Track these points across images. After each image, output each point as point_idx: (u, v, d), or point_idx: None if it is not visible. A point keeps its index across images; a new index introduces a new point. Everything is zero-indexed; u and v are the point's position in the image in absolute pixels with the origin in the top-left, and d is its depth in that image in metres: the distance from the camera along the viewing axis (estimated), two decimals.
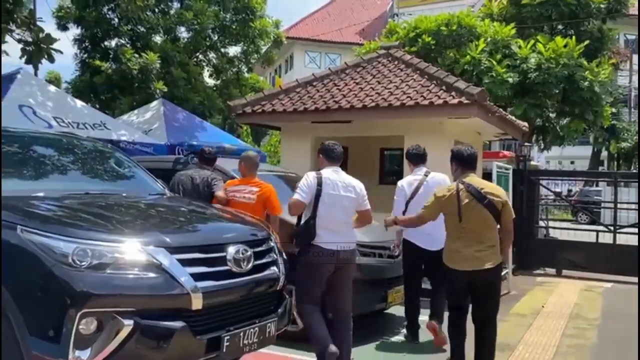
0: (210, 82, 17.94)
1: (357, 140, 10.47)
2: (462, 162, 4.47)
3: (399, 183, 5.71)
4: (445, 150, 7.45)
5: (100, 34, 15.69)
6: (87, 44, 15.84)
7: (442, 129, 8.17)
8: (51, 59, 9.14)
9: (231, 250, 3.41)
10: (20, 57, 9.23)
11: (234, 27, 16.55)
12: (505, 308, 7.34)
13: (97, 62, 15.27)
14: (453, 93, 7.76)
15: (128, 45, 15.50)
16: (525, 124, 10.72)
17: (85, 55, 15.87)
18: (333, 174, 4.36)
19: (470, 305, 4.47)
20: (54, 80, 17.63)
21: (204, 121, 11.47)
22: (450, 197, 4.29)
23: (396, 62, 9.37)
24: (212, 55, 17.52)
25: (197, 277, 3.16)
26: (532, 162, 12.76)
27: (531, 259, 10.34)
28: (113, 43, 16.03)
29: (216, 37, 17.08)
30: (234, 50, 17.77)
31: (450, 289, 4.52)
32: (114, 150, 4.93)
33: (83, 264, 2.91)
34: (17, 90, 8.02)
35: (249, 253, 3.50)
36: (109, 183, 4.54)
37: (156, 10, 16.12)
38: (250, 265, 3.49)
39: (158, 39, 16.21)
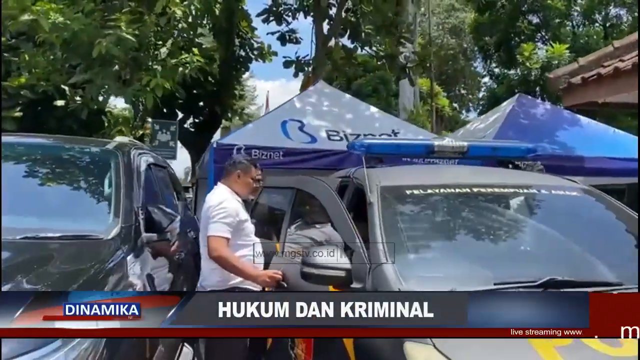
0: None
1: None
2: None
3: None
4: None
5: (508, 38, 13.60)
6: (491, 52, 14.07)
7: None
8: None
9: None
10: None
11: None
12: None
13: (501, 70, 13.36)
14: None
15: (536, 43, 12.93)
16: None
17: (491, 65, 14.16)
18: None
19: None
20: None
21: (582, 118, 7.45)
22: None
23: None
24: None
25: None
26: None
27: None
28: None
29: None
30: None
31: None
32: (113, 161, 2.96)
33: None
34: (293, 101, 7.04)
35: None
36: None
37: None
38: None
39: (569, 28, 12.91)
